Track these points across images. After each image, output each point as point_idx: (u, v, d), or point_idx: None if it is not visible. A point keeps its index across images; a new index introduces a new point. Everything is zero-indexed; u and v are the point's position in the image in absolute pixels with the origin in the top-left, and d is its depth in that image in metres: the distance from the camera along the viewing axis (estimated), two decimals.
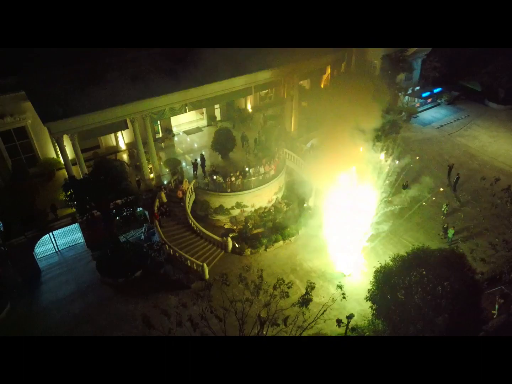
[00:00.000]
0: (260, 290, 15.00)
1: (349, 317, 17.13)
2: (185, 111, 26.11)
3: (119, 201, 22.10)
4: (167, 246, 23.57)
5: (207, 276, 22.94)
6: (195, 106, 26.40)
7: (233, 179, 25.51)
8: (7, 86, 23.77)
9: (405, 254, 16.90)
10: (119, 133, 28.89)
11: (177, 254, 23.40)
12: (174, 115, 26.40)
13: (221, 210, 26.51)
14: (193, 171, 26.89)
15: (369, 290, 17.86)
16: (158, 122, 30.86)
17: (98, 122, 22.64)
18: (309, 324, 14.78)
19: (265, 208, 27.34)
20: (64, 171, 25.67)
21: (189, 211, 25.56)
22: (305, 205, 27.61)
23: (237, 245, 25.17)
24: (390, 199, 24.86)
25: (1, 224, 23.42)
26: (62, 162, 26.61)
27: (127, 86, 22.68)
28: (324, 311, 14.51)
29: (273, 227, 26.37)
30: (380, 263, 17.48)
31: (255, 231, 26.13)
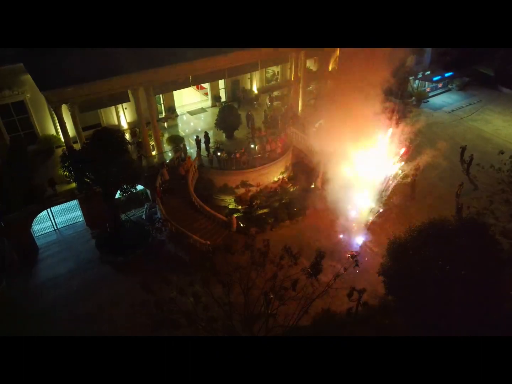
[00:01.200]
0: (266, 258, 14.10)
1: (361, 291, 16.23)
2: (189, 85, 25.17)
3: (120, 176, 21.23)
4: (169, 224, 22.70)
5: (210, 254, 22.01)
6: (199, 80, 25.47)
7: (238, 156, 24.56)
8: (5, 57, 22.90)
9: (421, 225, 15.88)
10: (120, 111, 28.01)
11: (179, 232, 22.51)
12: (177, 89, 25.49)
13: (226, 189, 25.57)
14: (197, 149, 25.97)
15: (381, 264, 16.88)
16: (161, 101, 30.03)
17: (98, 92, 21.74)
18: (319, 294, 13.90)
19: (271, 188, 26.40)
20: (64, 149, 24.83)
21: (192, 189, 24.63)
22: (312, 185, 26.66)
23: (241, 225, 24.25)
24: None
25: None
26: (62, 139, 25.86)
27: (129, 56, 21.75)
28: (337, 276, 13.58)
29: (279, 207, 25.45)
30: (394, 235, 16.47)
31: (260, 211, 25.21)
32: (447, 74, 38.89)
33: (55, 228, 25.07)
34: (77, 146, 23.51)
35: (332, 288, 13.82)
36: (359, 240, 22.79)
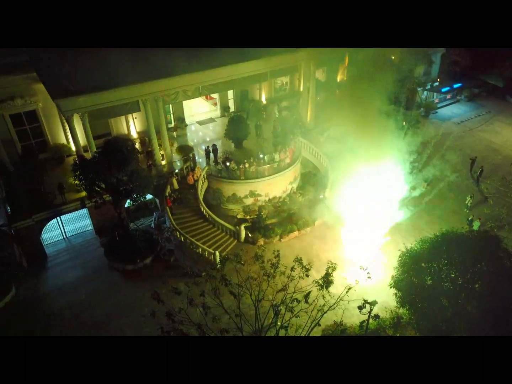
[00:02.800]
0: (277, 269, 13.96)
1: (372, 303, 15.97)
2: (199, 95, 25.35)
3: (131, 185, 21.28)
4: (178, 233, 22.68)
5: (219, 264, 21.90)
6: (209, 90, 25.65)
7: (247, 165, 24.58)
8: (18, 65, 23.21)
9: (433, 236, 15.70)
10: (130, 121, 28.27)
11: (188, 241, 22.47)
12: (187, 98, 25.65)
13: (234, 198, 25.54)
14: (206, 159, 26.05)
15: (393, 277, 16.66)
16: (171, 111, 30.26)
17: (109, 102, 21.96)
18: (331, 307, 13.72)
19: (280, 198, 26.33)
20: (75, 157, 25.00)
21: (201, 198, 24.66)
22: (321, 196, 26.55)
23: (250, 235, 24.16)
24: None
25: (8, 207, 22.79)
26: (73, 148, 26.11)
27: (140, 66, 22.03)
28: (349, 289, 13.42)
29: (287, 217, 25.34)
30: (405, 246, 16.29)
31: (268, 221, 25.12)
32: (455, 85, 38.84)
33: (64, 236, 25.16)
34: (87, 155, 23.68)
35: (344, 300, 13.62)
36: (369, 251, 22.56)
